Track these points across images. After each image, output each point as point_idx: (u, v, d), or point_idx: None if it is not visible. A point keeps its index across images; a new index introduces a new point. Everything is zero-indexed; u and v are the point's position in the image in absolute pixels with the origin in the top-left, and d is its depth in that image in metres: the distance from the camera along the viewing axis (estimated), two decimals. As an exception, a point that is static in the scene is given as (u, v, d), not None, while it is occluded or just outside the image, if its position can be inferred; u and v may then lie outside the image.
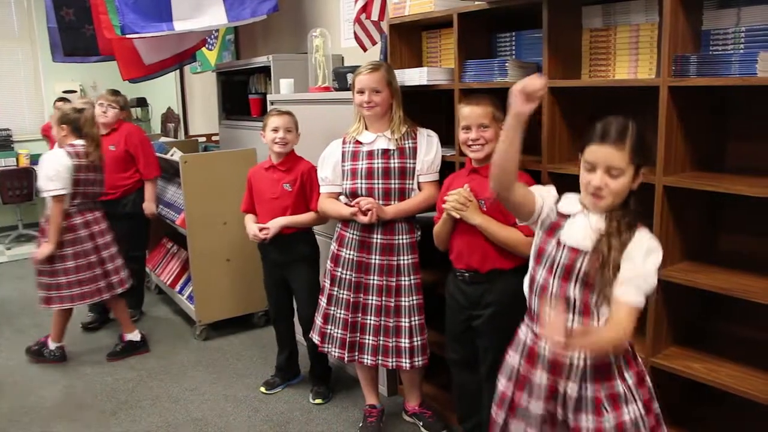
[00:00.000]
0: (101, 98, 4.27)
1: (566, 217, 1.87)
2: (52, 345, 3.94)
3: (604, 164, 1.74)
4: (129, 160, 4.32)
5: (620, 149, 1.72)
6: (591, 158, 1.76)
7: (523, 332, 1.99)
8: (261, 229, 3.18)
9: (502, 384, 2.04)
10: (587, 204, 1.82)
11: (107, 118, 4.24)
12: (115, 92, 4.38)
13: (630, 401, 1.82)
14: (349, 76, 3.23)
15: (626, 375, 1.83)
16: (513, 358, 2.01)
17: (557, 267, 1.84)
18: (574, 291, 1.81)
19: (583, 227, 1.82)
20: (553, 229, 1.89)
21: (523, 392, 1.93)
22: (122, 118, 4.38)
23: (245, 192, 3.33)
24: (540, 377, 1.88)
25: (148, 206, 4.40)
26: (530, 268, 1.98)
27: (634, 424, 1.80)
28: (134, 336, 4.02)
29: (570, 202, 1.90)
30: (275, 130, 3.15)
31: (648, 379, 1.90)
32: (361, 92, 2.73)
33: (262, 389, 3.50)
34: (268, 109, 3.84)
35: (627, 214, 1.77)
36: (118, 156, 4.26)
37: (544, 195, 1.96)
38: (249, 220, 3.29)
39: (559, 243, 1.85)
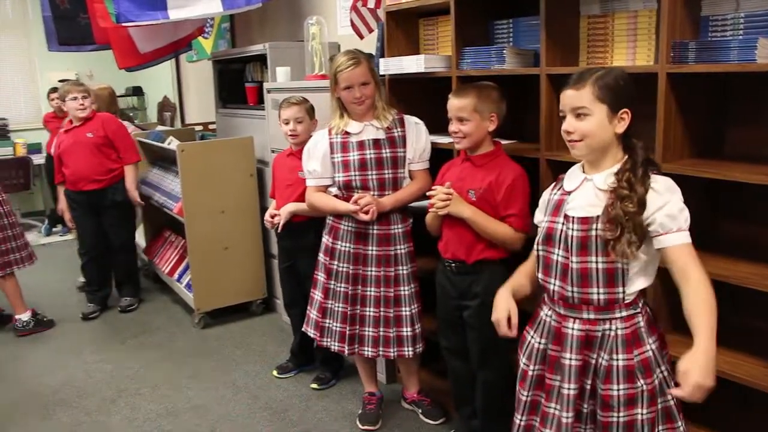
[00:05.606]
0: (73, 92, 4.20)
1: (569, 193, 1.85)
2: (24, 316, 4.19)
3: (569, 107, 1.78)
4: (109, 146, 4.32)
5: (580, 88, 1.75)
6: (561, 106, 1.81)
7: (546, 313, 1.93)
8: (273, 216, 3.21)
9: (525, 364, 1.98)
10: (576, 155, 1.83)
11: (86, 111, 4.24)
12: (80, 83, 4.38)
13: (658, 365, 1.81)
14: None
15: (649, 340, 1.82)
16: (536, 339, 1.95)
17: (572, 242, 1.80)
18: (596, 261, 1.78)
19: (589, 194, 1.80)
20: (558, 207, 1.87)
21: (554, 373, 1.89)
22: (94, 109, 4.38)
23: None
24: (570, 359, 1.84)
25: (133, 194, 4.43)
26: (540, 251, 1.91)
27: (661, 387, 1.81)
28: (24, 316, 4.22)
29: (572, 176, 1.89)
30: (286, 122, 3.15)
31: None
32: (349, 88, 2.65)
33: (274, 373, 3.53)
34: (265, 98, 3.85)
35: (635, 168, 1.74)
36: (99, 142, 4.28)
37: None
38: (271, 206, 3.34)
39: (567, 218, 1.82)
